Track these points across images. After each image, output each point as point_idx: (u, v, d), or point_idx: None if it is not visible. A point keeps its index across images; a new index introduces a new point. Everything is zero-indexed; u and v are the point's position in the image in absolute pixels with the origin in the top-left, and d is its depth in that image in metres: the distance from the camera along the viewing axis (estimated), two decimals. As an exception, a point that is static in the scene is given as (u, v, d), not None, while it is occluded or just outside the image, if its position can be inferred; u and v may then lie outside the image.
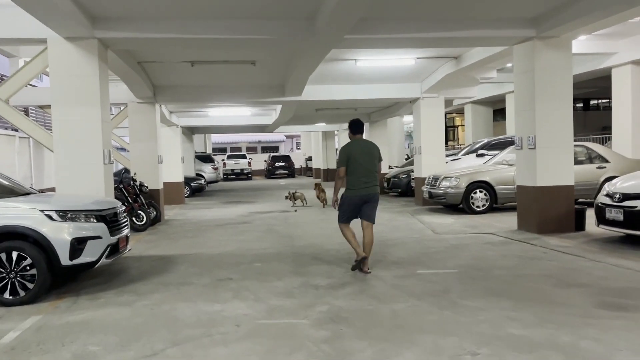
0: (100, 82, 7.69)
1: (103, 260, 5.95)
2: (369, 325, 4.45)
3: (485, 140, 16.14)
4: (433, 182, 12.48)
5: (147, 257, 8.07)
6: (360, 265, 6.46)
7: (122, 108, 13.64)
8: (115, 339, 4.35)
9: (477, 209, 11.71)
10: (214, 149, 41.51)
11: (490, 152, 14.79)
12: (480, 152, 14.91)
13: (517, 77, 9.01)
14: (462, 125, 32.72)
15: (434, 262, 6.92)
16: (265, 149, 47.25)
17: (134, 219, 11.18)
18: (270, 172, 36.83)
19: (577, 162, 11.79)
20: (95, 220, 5.98)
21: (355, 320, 4.59)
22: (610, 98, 26.00)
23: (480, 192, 11.74)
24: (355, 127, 6.59)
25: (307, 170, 37.80)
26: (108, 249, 6.02)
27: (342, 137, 24.41)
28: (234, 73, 11.85)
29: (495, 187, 11.73)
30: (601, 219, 7.72)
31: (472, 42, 9.22)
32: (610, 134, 17.45)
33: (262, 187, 26.39)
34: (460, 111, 29.42)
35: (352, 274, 6.41)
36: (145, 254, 8.42)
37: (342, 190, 6.67)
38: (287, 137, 48.38)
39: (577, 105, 25.65)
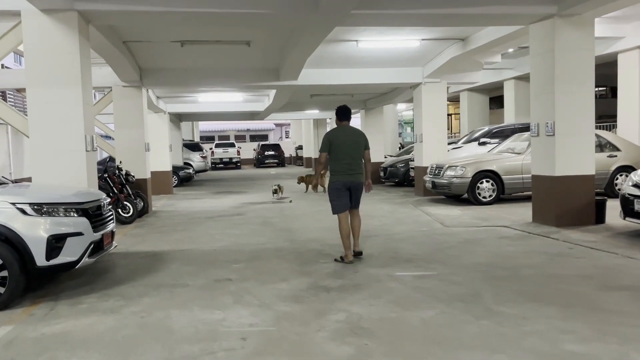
0: (82, 60, 6.92)
1: (85, 260, 5.25)
2: (398, 338, 3.82)
3: (486, 128, 15.55)
4: (436, 172, 11.87)
5: (135, 254, 7.37)
6: (343, 260, 6.35)
7: (106, 92, 12.80)
8: (99, 357, 3.67)
9: (484, 200, 11.13)
10: (202, 137, 40.57)
11: (491, 141, 14.26)
12: (482, 140, 14.34)
13: (535, 59, 8.38)
14: (456, 114, 32.18)
15: (452, 260, 6.31)
16: (254, 138, 46.35)
17: (119, 210, 10.45)
18: (259, 161, 36.04)
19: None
20: (76, 215, 5.26)
21: (380, 332, 3.96)
22: (607, 86, 25.75)
23: (487, 182, 11.15)
24: (342, 114, 6.42)
25: (298, 160, 37.08)
26: (91, 247, 5.32)
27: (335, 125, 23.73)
28: (226, 55, 11.09)
29: (503, 177, 11.16)
30: (628, 212, 7.16)
31: (486, 20, 8.57)
32: (608, 121, 17.02)
33: (252, 177, 25.66)
34: (454, 99, 28.84)
35: (364, 274, 5.77)
36: (133, 249, 7.71)
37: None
38: (277, 125, 47.53)
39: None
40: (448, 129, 33.34)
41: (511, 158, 11.41)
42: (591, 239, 7.11)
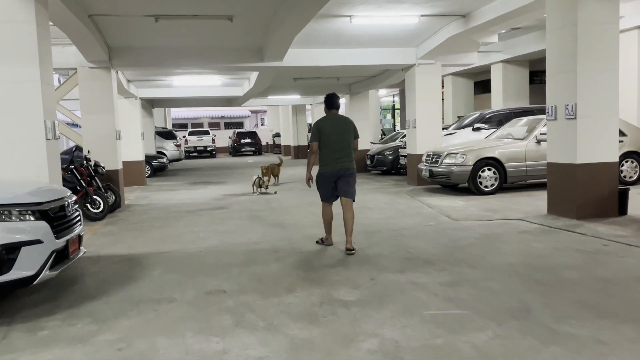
0: (39, 32, 5.83)
1: (45, 273, 4.27)
2: (457, 377, 2.98)
3: (478, 113, 14.84)
4: (434, 160, 11.09)
5: (108, 258, 6.36)
6: (323, 242, 6.50)
7: (70, 74, 11.59)
8: (64, 415, 2.73)
9: (485, 190, 10.40)
10: (174, 125, 39.09)
11: (485, 126, 13.56)
12: (476, 125, 13.62)
13: (553, 34, 7.60)
14: (437, 99, 31.56)
15: (477, 260, 5.51)
16: (229, 125, 44.99)
17: (88, 205, 9.38)
18: (235, 149, 34.82)
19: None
20: (33, 218, 4.26)
21: (430, 366, 3.12)
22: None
23: (489, 170, 10.42)
24: (331, 102, 6.30)
25: (275, 147, 35.99)
26: (52, 257, 4.33)
27: (317, 111, 22.75)
28: (205, 32, 10.03)
29: (505, 165, 10.44)
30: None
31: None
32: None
33: (229, 166, 24.56)
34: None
35: (382, 281, 4.91)
36: (105, 252, 6.69)
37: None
38: (252, 112, 46.26)
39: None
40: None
41: (513, 144, 10.69)
42: (622, 233, 6.41)
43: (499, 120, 13.98)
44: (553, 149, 7.76)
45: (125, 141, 15.64)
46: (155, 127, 23.63)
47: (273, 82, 14.65)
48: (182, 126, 41.57)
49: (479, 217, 8.06)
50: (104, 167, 10.39)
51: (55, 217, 4.48)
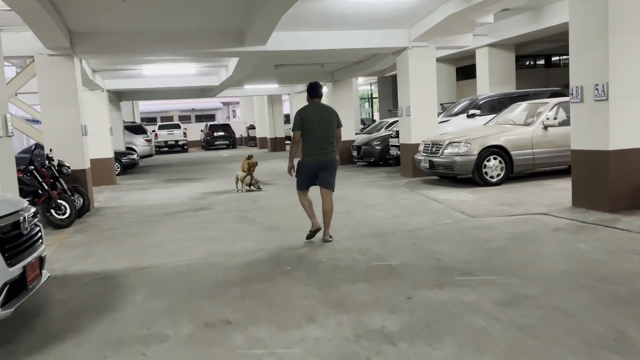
0: (-19, 4, 4.71)
1: (-4, 314, 3.24)
2: None
3: (468, 100, 14.09)
4: (434, 150, 10.25)
5: (78, 278, 5.31)
6: (314, 234, 6.21)
7: (28, 63, 10.31)
8: None
9: (491, 180, 9.63)
10: (143, 119, 37.38)
11: (478, 112, 12.82)
12: (471, 112, 12.86)
13: (578, 6, 6.80)
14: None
15: (523, 269, 4.67)
16: (200, 118, 43.41)
17: (52, 211, 8.27)
18: (208, 143, 33.47)
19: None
20: (-25, 242, 3.21)
21: None
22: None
23: (495, 159, 9.65)
24: (314, 91, 6.17)
25: (250, 140, 34.81)
26: (5, 291, 3.30)
27: (296, 101, 21.70)
28: (180, 13, 8.93)
29: (512, 153, 9.68)
30: None
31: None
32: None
33: (203, 160, 23.35)
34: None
35: (422, 301, 4.02)
36: (75, 269, 5.63)
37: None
38: (224, 104, 44.82)
39: (539, 62, 24.38)
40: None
41: (519, 131, 9.94)
42: (671, 229, 5.69)
43: (492, 106, 13.29)
44: (579, 135, 6.98)
45: (92, 137, 14.40)
46: (124, 122, 22.23)
47: (252, 70, 13.58)
48: (151, 120, 39.88)
49: (497, 212, 7.26)
50: (69, 167, 9.23)
51: (6, 238, 3.43)
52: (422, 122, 11.69)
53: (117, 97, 20.04)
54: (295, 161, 6.25)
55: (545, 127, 9.77)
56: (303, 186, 6.25)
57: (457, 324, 3.53)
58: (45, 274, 4.13)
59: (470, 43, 12.35)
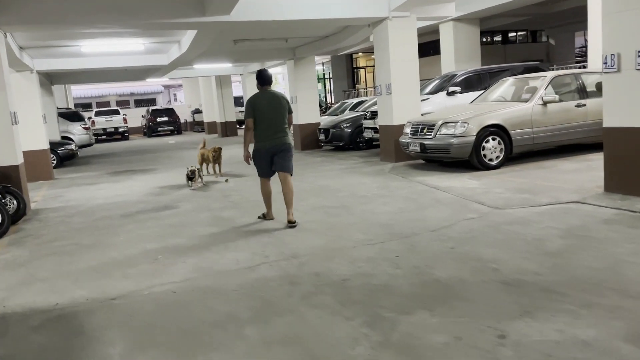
0: None
1: None
2: None
3: (440, 79, 13.18)
4: (425, 131, 9.23)
5: (21, 318, 3.90)
6: (264, 218, 6.55)
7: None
8: None
9: (490, 163, 8.74)
10: (76, 105, 34.44)
11: (458, 89, 11.95)
12: (451, 89, 11.96)
13: (615, -39, 5.87)
14: (369, 66, 29.88)
15: (617, 281, 3.69)
16: (139, 103, 40.60)
17: (-22, 221, 6.64)
18: (151, 130, 31.16)
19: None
20: None
21: None
22: (527, 30, 24.86)
23: (494, 139, 8.75)
24: (263, 78, 6.26)
25: (195, 125, 32.80)
26: None
27: (249, 82, 20.11)
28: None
29: (511, 132, 8.81)
30: None
31: None
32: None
33: (149, 149, 21.45)
34: (367, 51, 26.45)
35: (526, 345, 2.95)
36: (14, 304, 4.20)
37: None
38: (165, 87, 42.23)
39: (496, 38, 23.97)
40: (360, 84, 31.14)
41: (517, 108, 9.06)
42: None
43: (471, 82, 12.45)
44: (615, 110, 6.10)
45: (22, 126, 12.51)
46: (57, 108, 19.95)
47: (211, 44, 12.02)
48: (86, 106, 36.83)
49: (520, 202, 6.31)
50: (-3, 164, 7.57)
51: None
52: (404, 102, 10.64)
53: (49, 80, 17.83)
54: (251, 148, 6.30)
55: (545, 104, 8.96)
56: (263, 172, 6.36)
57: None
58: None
59: (453, 13, 11.41)
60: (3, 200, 7.47)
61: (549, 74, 9.54)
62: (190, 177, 9.77)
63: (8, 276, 5.05)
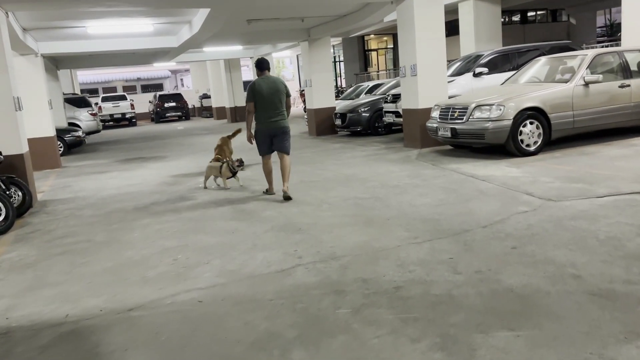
0: None
1: None
2: None
3: (462, 60, 12.48)
4: (457, 115, 8.60)
5: (28, 333, 3.37)
6: (268, 192, 7.16)
7: None
8: None
9: (528, 149, 8.12)
10: (82, 90, 33.94)
11: (485, 70, 11.26)
12: (478, 70, 11.28)
13: None
14: (381, 49, 29.06)
15: None
16: (146, 88, 39.96)
17: (-19, 215, 6.14)
18: (158, 115, 30.59)
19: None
20: None
21: None
22: (547, 9, 23.95)
23: (532, 124, 8.11)
24: (262, 65, 6.74)
25: (203, 110, 32.18)
26: None
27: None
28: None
29: (550, 116, 8.17)
30: None
31: None
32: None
33: (158, 135, 20.90)
34: (379, 32, 25.67)
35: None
36: (20, 314, 3.67)
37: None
38: (172, 72, 41.54)
39: (514, 18, 23.11)
40: (372, 67, 30.32)
41: (556, 89, 8.40)
42: None
43: (498, 63, 11.76)
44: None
45: (27, 112, 11.97)
46: (64, 94, 19.40)
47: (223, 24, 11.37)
48: (93, 92, 36.31)
49: (575, 192, 5.70)
50: (0, 153, 7.05)
51: None
52: (430, 84, 9.98)
53: (54, 64, 17.24)
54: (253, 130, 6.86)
55: (587, 84, 8.31)
56: (263, 152, 6.94)
57: None
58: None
59: (481, -12, 10.64)
60: (7, 192, 6.96)
61: (590, 52, 8.85)
62: (233, 171, 7.82)
63: (14, 280, 4.53)
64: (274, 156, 6.98)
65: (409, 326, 3.05)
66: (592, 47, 12.90)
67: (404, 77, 10.48)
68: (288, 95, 6.81)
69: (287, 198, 6.62)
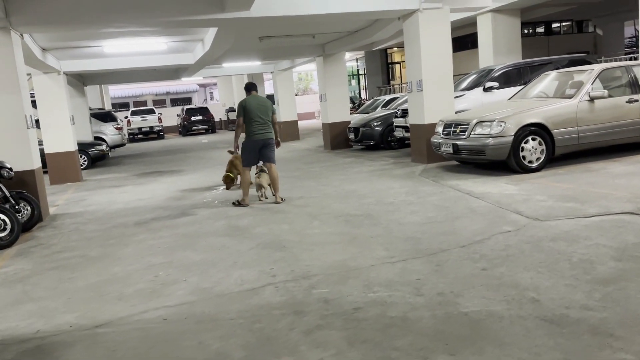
0: None
1: None
2: None
3: (476, 73, 12.38)
4: (459, 131, 8.56)
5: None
6: (238, 205, 7.73)
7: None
8: None
9: (530, 166, 8.01)
10: (114, 105, 34.98)
11: (495, 85, 11.14)
12: (488, 85, 11.18)
13: None
14: (404, 62, 29.05)
15: (680, 318, 3.03)
16: (175, 102, 40.95)
17: (-13, 229, 6.42)
18: (185, 129, 31.24)
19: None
20: None
21: None
22: (572, 20, 23.51)
23: (534, 140, 8.00)
24: (249, 87, 7.78)
25: (229, 124, 32.64)
26: None
27: (280, 80, 19.65)
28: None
29: (554, 132, 8.04)
30: None
31: None
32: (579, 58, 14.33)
33: (181, 148, 21.37)
34: (402, 45, 25.66)
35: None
36: (5, 336, 3.84)
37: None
38: (201, 86, 42.42)
39: (538, 30, 22.76)
40: (394, 80, 30.32)
41: (560, 105, 8.27)
42: None
43: (510, 77, 11.64)
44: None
45: (49, 128, 12.50)
46: (90, 109, 20.06)
47: (233, 44, 11.64)
48: (124, 105, 37.41)
49: (565, 211, 5.61)
50: (10, 169, 7.38)
51: None
52: (436, 99, 9.96)
53: (81, 81, 17.87)
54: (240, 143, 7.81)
55: (592, 99, 8.15)
56: (248, 162, 7.76)
57: None
58: None
59: (489, 4, 10.64)
60: (16, 207, 7.27)
61: (597, 67, 8.69)
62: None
63: (2, 294, 4.74)
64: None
65: (354, 349, 3.08)
66: (616, 60, 12.63)
67: (410, 92, 10.48)
68: (273, 112, 7.71)
69: (280, 202, 7.64)
